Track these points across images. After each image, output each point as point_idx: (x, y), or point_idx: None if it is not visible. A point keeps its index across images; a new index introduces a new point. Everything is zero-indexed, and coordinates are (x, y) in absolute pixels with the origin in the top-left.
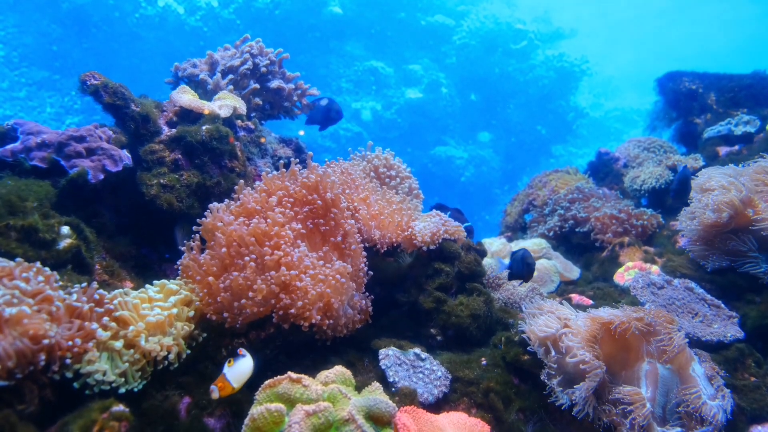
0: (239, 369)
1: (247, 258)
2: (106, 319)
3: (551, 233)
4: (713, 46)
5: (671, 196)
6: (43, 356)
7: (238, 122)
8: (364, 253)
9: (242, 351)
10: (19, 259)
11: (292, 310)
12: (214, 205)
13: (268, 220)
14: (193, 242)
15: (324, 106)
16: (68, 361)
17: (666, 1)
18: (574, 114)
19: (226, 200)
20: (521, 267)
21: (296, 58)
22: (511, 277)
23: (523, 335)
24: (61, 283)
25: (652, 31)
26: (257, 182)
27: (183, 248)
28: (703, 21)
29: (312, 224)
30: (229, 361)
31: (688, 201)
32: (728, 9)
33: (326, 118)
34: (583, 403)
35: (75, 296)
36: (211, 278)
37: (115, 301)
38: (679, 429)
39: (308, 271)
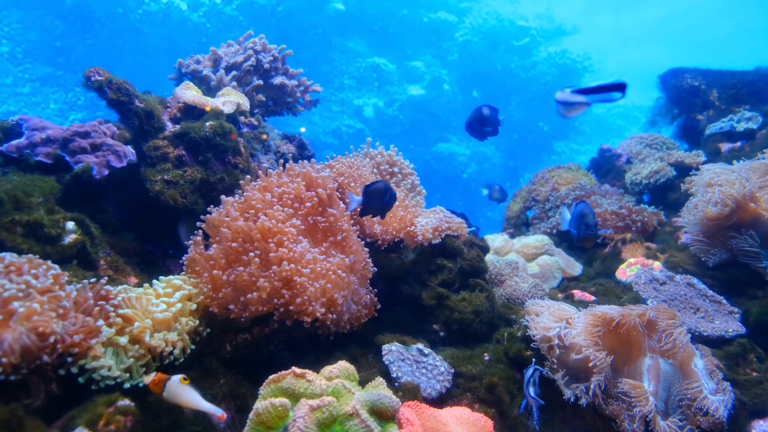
0: (183, 392)
1: (252, 254)
2: (112, 314)
3: (554, 231)
4: (716, 42)
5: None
6: (49, 352)
7: (242, 118)
8: (365, 250)
9: (224, 417)
10: (31, 256)
11: (292, 307)
12: (228, 198)
13: (267, 219)
14: (200, 236)
15: (486, 115)
16: (70, 359)
17: None
18: None
19: (236, 196)
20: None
21: (299, 54)
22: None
23: (528, 333)
24: (66, 278)
25: (654, 28)
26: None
27: (188, 243)
28: (706, 17)
29: (312, 220)
30: (186, 379)
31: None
32: (732, 5)
33: (479, 129)
34: (589, 399)
35: (82, 292)
36: (216, 272)
37: (119, 297)
38: (680, 420)
39: (310, 266)
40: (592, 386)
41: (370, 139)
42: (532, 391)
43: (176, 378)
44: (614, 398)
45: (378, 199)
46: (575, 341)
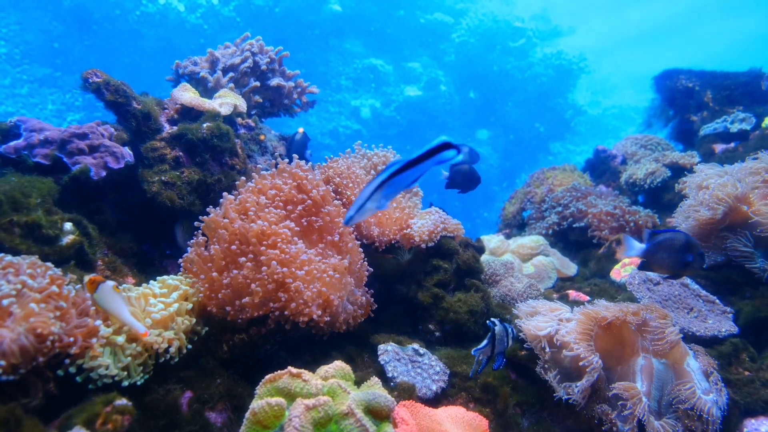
0: (112, 299)
1: (244, 258)
2: None
3: (550, 231)
4: (710, 43)
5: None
6: (47, 353)
7: (239, 120)
8: (360, 250)
9: (146, 334)
10: (34, 258)
11: (286, 312)
12: (228, 197)
13: (264, 222)
14: (198, 237)
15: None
16: (67, 361)
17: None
18: (572, 111)
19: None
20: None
21: (296, 55)
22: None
23: (521, 335)
24: (65, 279)
25: (649, 29)
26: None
27: (186, 244)
28: (701, 18)
29: (307, 222)
30: (118, 287)
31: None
32: (727, 7)
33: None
34: (581, 397)
35: (80, 293)
36: (214, 274)
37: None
38: (673, 420)
39: (304, 267)
40: (582, 385)
41: (360, 142)
42: (473, 350)
43: (110, 283)
44: (607, 398)
45: (461, 178)
46: (566, 340)
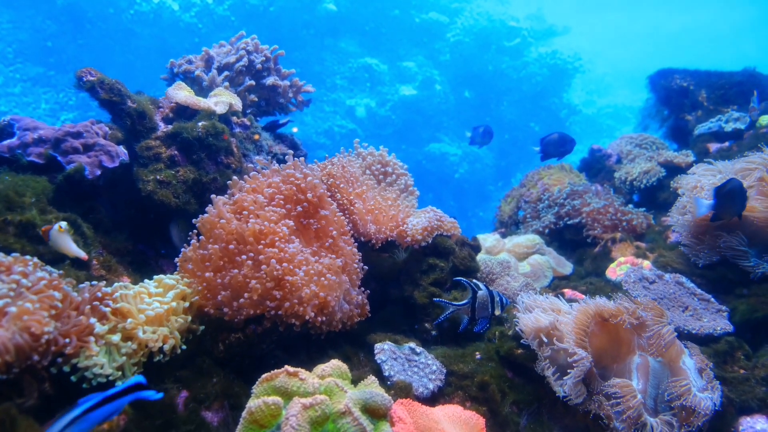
0: (59, 238)
1: (244, 256)
2: (107, 312)
3: (546, 231)
4: (705, 43)
5: None
6: (41, 351)
7: (234, 119)
8: (356, 251)
9: (86, 258)
10: (16, 254)
11: (281, 311)
12: (219, 198)
13: (264, 223)
14: (194, 237)
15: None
16: (60, 360)
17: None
18: (567, 111)
19: (226, 197)
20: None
21: (291, 54)
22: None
23: (517, 329)
24: (59, 278)
25: (644, 29)
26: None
27: (180, 244)
28: (696, 18)
29: (305, 221)
30: (62, 228)
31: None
32: (722, 6)
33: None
34: (573, 392)
35: (75, 292)
36: (209, 274)
37: (116, 295)
38: (669, 417)
39: (302, 267)
40: (570, 378)
41: (358, 140)
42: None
43: (55, 226)
44: (603, 396)
45: (554, 147)
46: (561, 334)
